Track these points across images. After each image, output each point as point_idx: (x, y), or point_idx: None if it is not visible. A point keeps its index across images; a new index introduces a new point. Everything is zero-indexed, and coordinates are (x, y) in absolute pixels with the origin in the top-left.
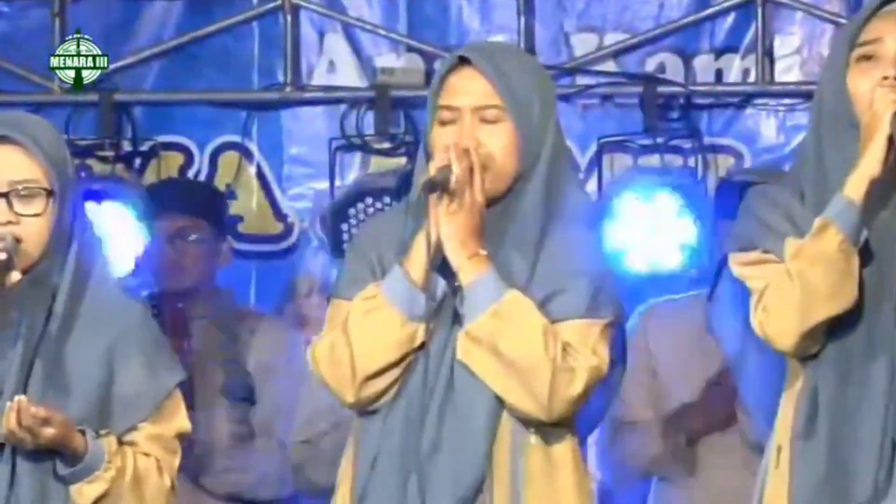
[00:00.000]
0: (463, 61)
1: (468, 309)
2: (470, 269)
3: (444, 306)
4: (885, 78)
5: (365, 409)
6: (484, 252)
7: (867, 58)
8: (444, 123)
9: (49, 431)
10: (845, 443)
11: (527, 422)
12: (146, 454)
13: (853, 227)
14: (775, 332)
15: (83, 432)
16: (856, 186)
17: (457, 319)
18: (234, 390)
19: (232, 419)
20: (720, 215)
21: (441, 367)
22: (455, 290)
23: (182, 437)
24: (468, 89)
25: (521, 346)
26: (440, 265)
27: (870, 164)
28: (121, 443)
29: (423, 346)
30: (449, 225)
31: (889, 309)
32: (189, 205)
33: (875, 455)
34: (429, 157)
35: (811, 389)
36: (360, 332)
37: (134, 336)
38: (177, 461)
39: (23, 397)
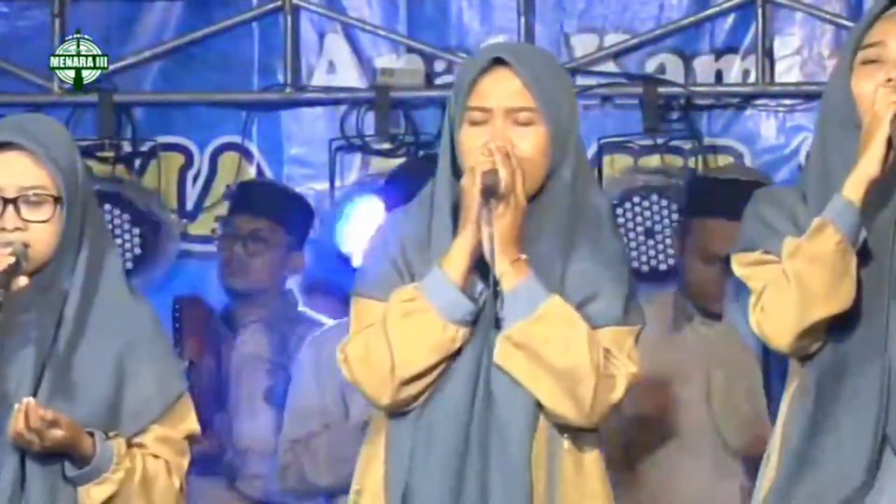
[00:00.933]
0: (494, 62)
1: (509, 313)
2: (512, 274)
3: (485, 310)
4: (889, 80)
5: (398, 410)
6: (524, 256)
7: (871, 61)
8: (474, 124)
9: (57, 433)
10: (836, 440)
11: (562, 427)
12: (155, 456)
13: (851, 227)
14: (772, 332)
15: (92, 434)
16: (855, 187)
17: (494, 323)
18: (277, 396)
19: (275, 426)
20: (692, 213)
21: (479, 370)
22: (494, 293)
23: (191, 438)
24: (501, 91)
25: (566, 352)
26: (490, 266)
27: (869, 164)
28: (130, 445)
29: (460, 349)
30: (494, 229)
31: (886, 310)
32: (269, 208)
33: (865, 452)
34: (454, 158)
35: (806, 388)
36: (401, 335)
37: (145, 341)
38: (186, 463)
39: (31, 399)
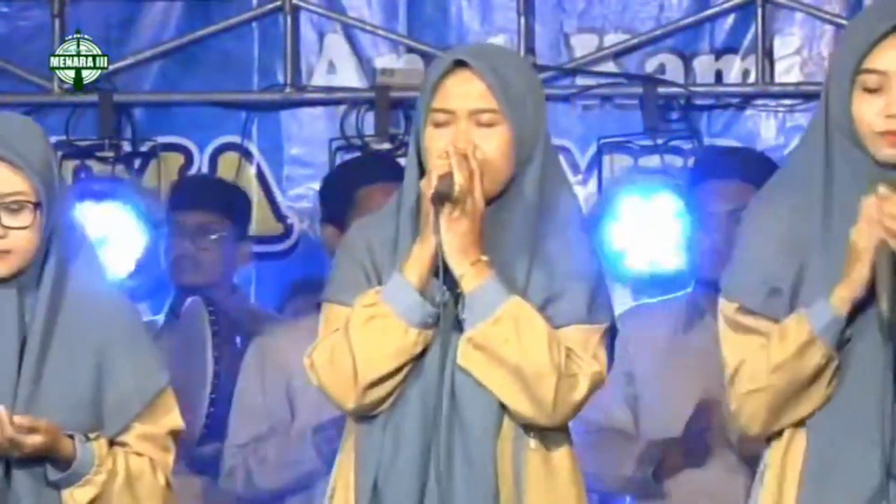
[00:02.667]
0: (457, 64)
1: (470, 315)
2: (472, 276)
3: (444, 312)
4: (889, 117)
5: (365, 414)
6: (485, 258)
7: (872, 90)
8: (437, 125)
9: (36, 439)
10: (841, 467)
11: (527, 427)
12: (139, 454)
13: (836, 337)
14: (746, 420)
15: (72, 437)
16: (842, 302)
17: (457, 325)
18: None
19: None
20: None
21: (443, 373)
22: (456, 296)
23: (175, 434)
24: (464, 92)
25: (526, 352)
26: (440, 271)
27: (854, 288)
28: (113, 444)
29: (423, 352)
30: (451, 232)
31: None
32: (213, 202)
33: (874, 482)
34: (420, 158)
35: (804, 455)
36: (362, 340)
37: (122, 339)
38: (171, 459)
39: (1, 408)
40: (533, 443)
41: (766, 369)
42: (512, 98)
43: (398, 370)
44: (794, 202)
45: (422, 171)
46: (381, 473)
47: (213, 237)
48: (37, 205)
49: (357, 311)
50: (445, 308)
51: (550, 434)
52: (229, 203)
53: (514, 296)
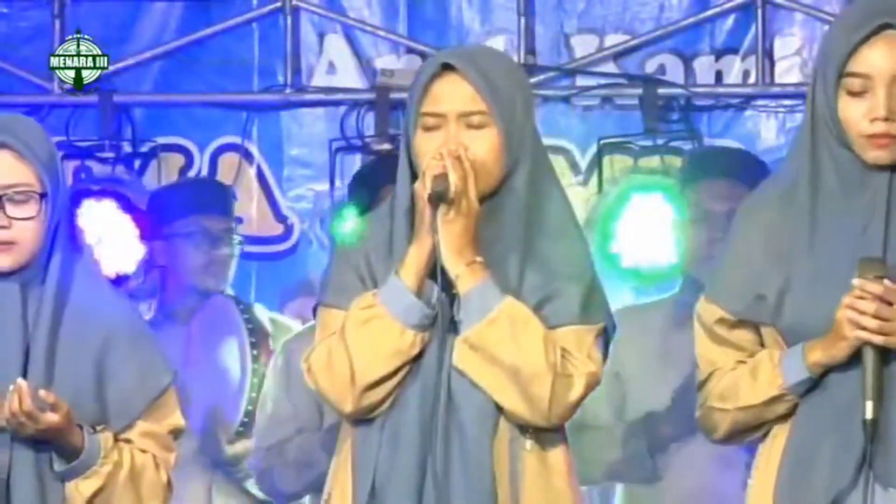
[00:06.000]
0: (444, 67)
1: (465, 316)
2: (468, 277)
3: (440, 314)
4: (874, 120)
5: (363, 417)
6: (480, 259)
7: (856, 93)
8: (428, 129)
9: (52, 418)
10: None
11: (523, 427)
12: (143, 450)
13: (805, 387)
14: (709, 429)
15: (80, 427)
16: (817, 367)
17: (452, 327)
18: None
19: None
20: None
21: (440, 374)
22: (451, 297)
23: (176, 433)
24: (453, 95)
25: (521, 353)
26: (437, 273)
27: (833, 361)
28: (117, 439)
29: (420, 354)
30: (446, 233)
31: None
32: (226, 206)
33: (848, 475)
34: (411, 162)
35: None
36: (359, 342)
37: (126, 337)
38: (172, 457)
39: (22, 381)
40: (529, 443)
41: (734, 400)
42: (500, 99)
43: (395, 372)
44: (781, 206)
45: (413, 174)
46: (379, 475)
47: (237, 240)
48: (42, 196)
49: (353, 313)
50: (441, 309)
51: (546, 435)
52: (230, 206)
53: (508, 297)
